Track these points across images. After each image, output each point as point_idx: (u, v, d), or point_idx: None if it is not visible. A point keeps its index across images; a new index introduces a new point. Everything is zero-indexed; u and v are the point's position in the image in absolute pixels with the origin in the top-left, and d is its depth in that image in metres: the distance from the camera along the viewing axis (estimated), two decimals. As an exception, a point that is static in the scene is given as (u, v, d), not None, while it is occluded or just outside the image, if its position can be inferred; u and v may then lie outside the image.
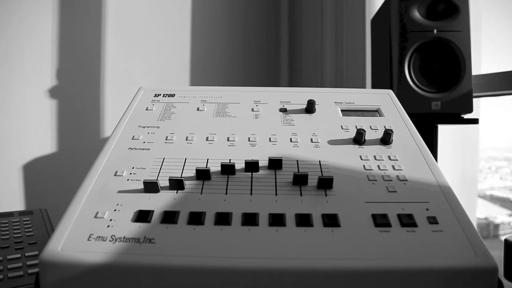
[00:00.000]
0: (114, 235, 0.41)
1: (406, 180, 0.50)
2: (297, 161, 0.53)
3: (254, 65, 1.74)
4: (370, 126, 0.60)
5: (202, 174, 0.49)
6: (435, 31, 0.91)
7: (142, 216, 0.44)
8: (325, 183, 0.48)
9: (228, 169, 0.50)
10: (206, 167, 0.49)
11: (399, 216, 0.44)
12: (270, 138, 0.57)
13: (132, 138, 0.57)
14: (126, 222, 0.43)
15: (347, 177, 0.50)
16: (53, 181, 1.27)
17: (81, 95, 1.31)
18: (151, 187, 0.47)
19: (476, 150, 1.47)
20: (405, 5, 0.91)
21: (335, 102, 0.66)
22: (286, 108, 0.64)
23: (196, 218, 0.43)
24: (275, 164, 0.51)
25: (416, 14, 0.92)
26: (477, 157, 1.50)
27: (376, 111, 0.65)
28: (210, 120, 0.62)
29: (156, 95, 0.68)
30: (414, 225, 0.43)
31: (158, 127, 0.60)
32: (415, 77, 0.92)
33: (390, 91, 0.70)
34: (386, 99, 0.68)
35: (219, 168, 0.51)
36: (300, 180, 0.48)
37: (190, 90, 0.70)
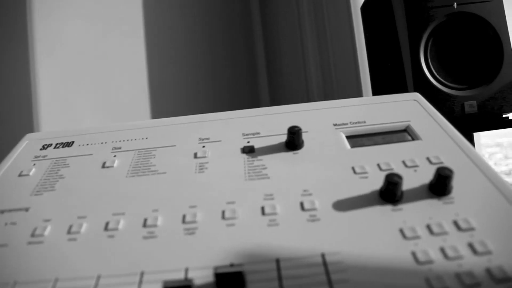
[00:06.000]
0: None
1: (510, 281, 0.23)
2: (277, 260, 0.26)
3: (227, 85, 1.46)
4: (404, 162, 0.34)
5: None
6: (455, 4, 0.66)
7: None
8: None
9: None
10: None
11: None
12: (223, 212, 0.30)
13: (-29, 240, 0.31)
14: None
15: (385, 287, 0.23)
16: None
17: (6, 143, 1.04)
18: None
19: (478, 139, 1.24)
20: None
21: (335, 124, 0.40)
22: (253, 146, 0.38)
23: None
24: (228, 282, 0.24)
25: (426, -15, 0.67)
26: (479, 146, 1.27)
27: (404, 130, 0.39)
28: (120, 185, 0.35)
29: (44, 147, 0.42)
30: None
31: (26, 210, 0.33)
32: (436, 70, 0.67)
33: (417, 95, 0.44)
34: (415, 108, 0.42)
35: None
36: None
37: (99, 132, 0.43)
